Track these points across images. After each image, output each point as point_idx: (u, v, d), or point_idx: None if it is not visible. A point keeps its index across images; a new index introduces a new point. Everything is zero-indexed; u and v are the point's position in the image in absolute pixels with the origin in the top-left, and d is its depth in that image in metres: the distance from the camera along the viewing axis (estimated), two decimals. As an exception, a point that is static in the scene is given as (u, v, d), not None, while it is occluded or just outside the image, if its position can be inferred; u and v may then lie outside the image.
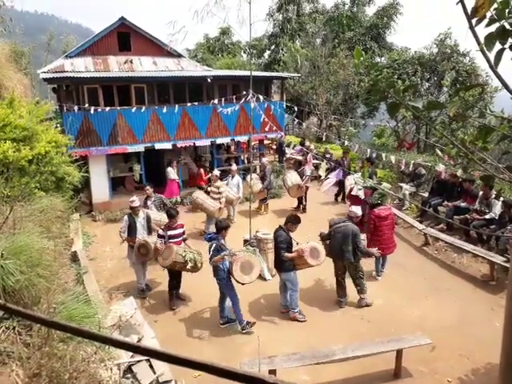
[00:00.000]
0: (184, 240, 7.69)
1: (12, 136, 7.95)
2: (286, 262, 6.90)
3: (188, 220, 11.13)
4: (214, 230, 10.70)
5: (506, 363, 2.05)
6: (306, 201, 12.89)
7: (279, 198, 14.11)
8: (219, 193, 10.90)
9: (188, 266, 7.15)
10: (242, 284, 6.67)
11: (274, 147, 19.81)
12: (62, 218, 8.63)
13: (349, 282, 7.53)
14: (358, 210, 7.69)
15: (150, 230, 8.16)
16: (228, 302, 6.93)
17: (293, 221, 7.10)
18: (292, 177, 12.46)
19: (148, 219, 8.29)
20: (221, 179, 11.82)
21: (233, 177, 11.86)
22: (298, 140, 20.85)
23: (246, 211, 12.39)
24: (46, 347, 3.35)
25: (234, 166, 12.33)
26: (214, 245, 6.65)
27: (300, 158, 16.23)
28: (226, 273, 6.69)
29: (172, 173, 12.80)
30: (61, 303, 4.09)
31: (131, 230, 8.03)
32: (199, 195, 10.88)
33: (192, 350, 6.19)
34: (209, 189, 11.34)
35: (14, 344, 3.52)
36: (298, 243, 7.17)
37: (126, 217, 8.20)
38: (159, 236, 7.61)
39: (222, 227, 6.85)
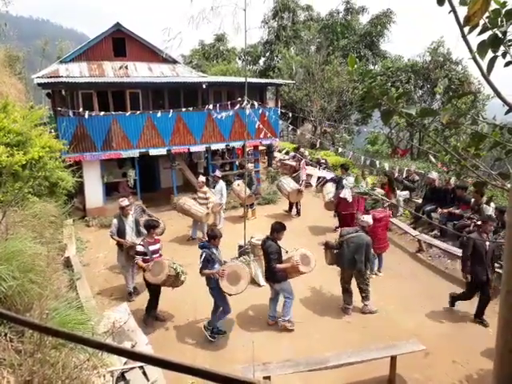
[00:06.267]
0: (160, 255, 7.33)
1: (6, 141, 7.89)
2: (278, 272, 6.82)
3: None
4: (199, 236, 10.93)
5: (499, 370, 2.05)
6: (300, 205, 12.99)
7: (274, 203, 14.13)
8: (206, 198, 10.89)
9: (182, 278, 6.98)
10: (229, 295, 6.56)
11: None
12: (55, 224, 8.57)
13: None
14: (369, 218, 7.66)
15: (139, 233, 8.14)
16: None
17: (278, 229, 6.99)
18: (290, 182, 12.60)
19: (137, 222, 8.29)
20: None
21: (216, 183, 11.80)
22: (292, 146, 20.96)
23: (238, 217, 12.56)
24: (38, 354, 3.32)
25: (218, 172, 12.24)
26: (204, 254, 6.48)
27: (293, 163, 16.38)
28: (216, 282, 6.52)
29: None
30: (53, 309, 4.05)
31: (120, 232, 8.02)
32: (186, 201, 10.84)
33: (186, 357, 6.14)
34: (196, 195, 11.24)
35: (5, 351, 3.48)
36: (287, 251, 7.12)
37: (115, 220, 8.16)
38: (138, 253, 7.02)
39: (213, 236, 6.64)
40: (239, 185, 12.19)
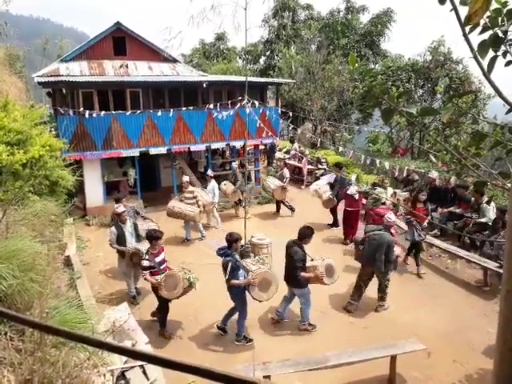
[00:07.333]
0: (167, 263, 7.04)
1: (6, 140, 7.89)
2: (300, 279, 6.75)
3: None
4: (198, 236, 10.89)
5: (499, 368, 2.05)
6: (287, 202, 13.09)
7: (273, 202, 14.11)
8: (194, 197, 10.84)
9: (195, 288, 6.74)
10: (260, 301, 6.50)
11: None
12: (55, 223, 8.56)
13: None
14: (393, 217, 7.63)
15: (138, 238, 7.98)
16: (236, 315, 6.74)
17: (307, 234, 6.84)
18: (274, 181, 12.85)
19: (135, 226, 8.14)
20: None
21: (208, 182, 11.80)
22: (287, 144, 21.04)
23: (233, 216, 12.57)
24: (38, 353, 3.31)
25: (210, 172, 12.20)
26: (230, 264, 6.24)
27: (296, 163, 16.45)
28: (242, 289, 6.43)
29: None
30: (54, 308, 4.05)
31: (120, 240, 7.80)
32: (175, 204, 10.74)
33: (186, 357, 6.13)
34: (182, 196, 11.12)
35: (5, 349, 3.48)
36: (312, 259, 7.03)
37: (113, 228, 7.95)
38: (144, 268, 6.59)
39: (234, 240, 6.41)
40: (225, 184, 12.42)
